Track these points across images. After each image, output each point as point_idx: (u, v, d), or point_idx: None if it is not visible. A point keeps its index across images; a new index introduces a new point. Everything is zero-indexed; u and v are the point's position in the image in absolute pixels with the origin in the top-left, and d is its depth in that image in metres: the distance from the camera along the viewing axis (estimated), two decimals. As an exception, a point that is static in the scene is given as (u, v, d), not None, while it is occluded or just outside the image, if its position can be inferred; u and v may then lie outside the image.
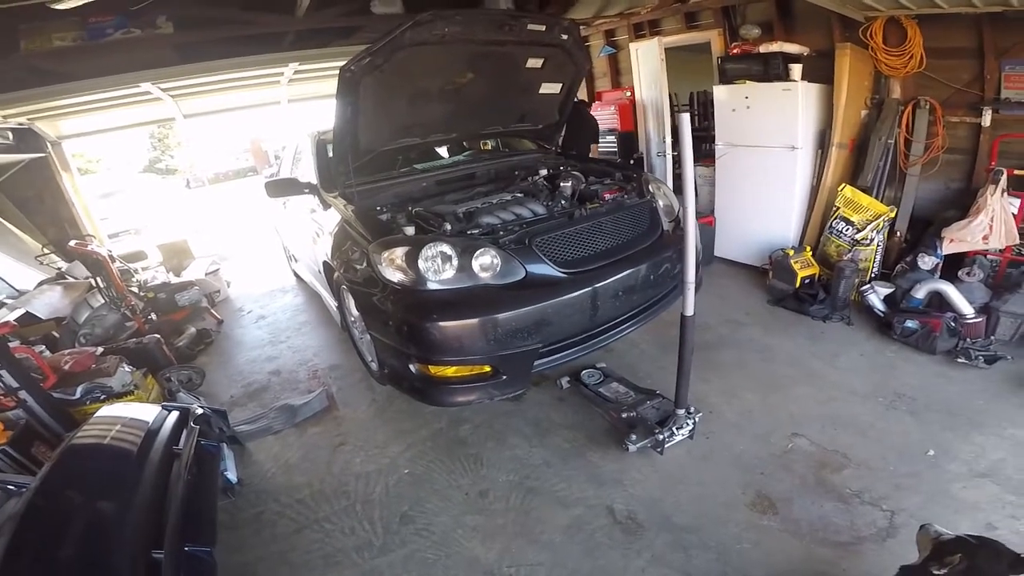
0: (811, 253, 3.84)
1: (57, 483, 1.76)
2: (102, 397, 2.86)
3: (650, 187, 3.02)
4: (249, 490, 2.45)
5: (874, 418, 2.50)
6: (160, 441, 2.02)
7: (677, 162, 5.91)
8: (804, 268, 3.70)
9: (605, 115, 5.68)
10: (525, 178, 3.32)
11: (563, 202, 2.82)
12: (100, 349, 3.08)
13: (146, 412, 2.24)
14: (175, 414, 2.26)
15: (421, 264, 2.19)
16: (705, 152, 4.81)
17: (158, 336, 3.51)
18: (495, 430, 2.69)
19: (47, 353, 3.27)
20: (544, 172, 3.37)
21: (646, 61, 5.07)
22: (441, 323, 2.14)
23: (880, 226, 3.60)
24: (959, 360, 2.84)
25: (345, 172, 2.87)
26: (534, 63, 3.09)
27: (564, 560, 1.93)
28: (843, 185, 3.77)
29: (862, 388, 2.73)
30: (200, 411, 2.41)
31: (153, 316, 4.19)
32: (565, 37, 2.98)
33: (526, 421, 2.74)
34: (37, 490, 1.69)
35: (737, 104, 4.16)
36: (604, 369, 2.98)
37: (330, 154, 3.11)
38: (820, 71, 3.82)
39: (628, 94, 5.50)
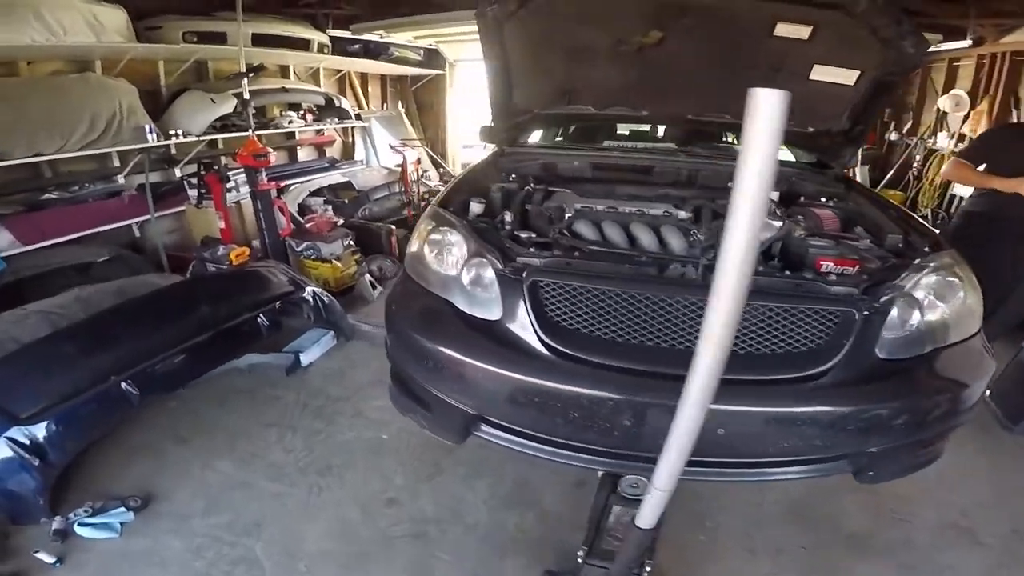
0: None
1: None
2: (312, 256, 3.97)
3: (924, 278, 1.69)
4: (307, 375, 3.00)
5: None
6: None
7: None
8: None
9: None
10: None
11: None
12: (340, 220, 4.21)
13: (283, 281, 3.18)
14: (289, 289, 3.13)
15: (424, 246, 1.93)
16: None
17: (392, 228, 4.48)
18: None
19: (330, 212, 4.71)
20: (776, 195, 2.32)
21: None
22: (397, 313, 1.92)
23: None
24: None
25: (497, 131, 2.78)
26: (790, 31, 2.07)
27: None
28: None
29: None
30: (309, 297, 3.18)
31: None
32: None
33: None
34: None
35: None
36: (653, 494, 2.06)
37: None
38: None
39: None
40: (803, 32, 2.06)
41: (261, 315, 2.84)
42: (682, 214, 2.13)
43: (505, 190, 2.34)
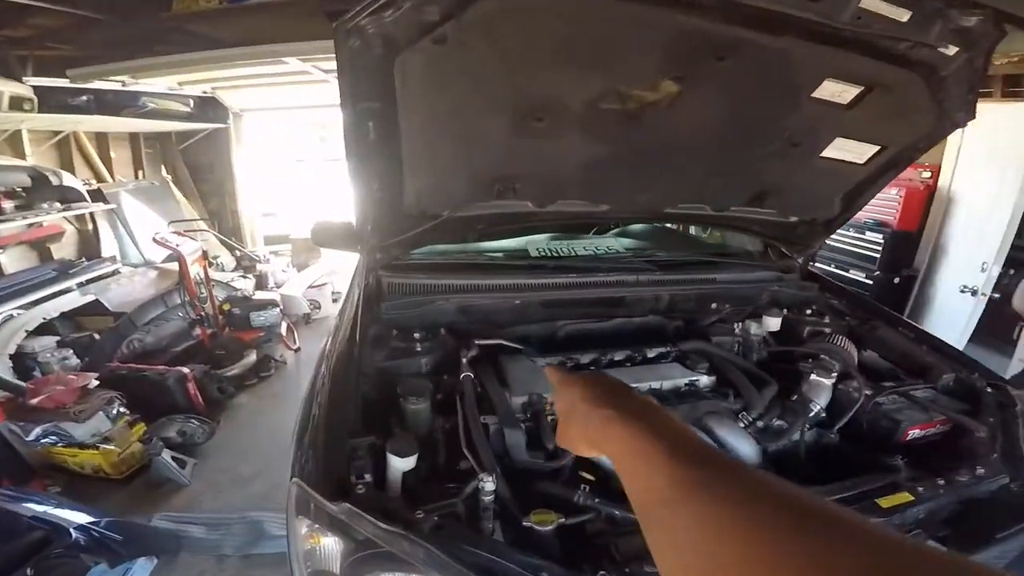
0: None
1: None
2: (60, 444, 2.51)
3: None
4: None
5: None
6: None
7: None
8: None
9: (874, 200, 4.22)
10: (730, 325, 1.84)
11: (802, 426, 1.39)
12: (95, 382, 2.73)
13: (22, 522, 2.03)
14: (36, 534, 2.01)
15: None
16: None
17: (185, 371, 3.09)
18: None
19: (72, 360, 3.13)
20: (775, 322, 1.85)
21: (990, 135, 3.49)
22: None
23: None
24: None
25: (372, 248, 1.79)
26: (834, 92, 1.55)
27: None
28: None
29: None
30: (76, 535, 2.01)
31: (227, 330, 3.98)
32: (950, 52, 1.42)
33: None
34: None
35: None
36: None
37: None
38: None
39: (926, 175, 4.07)
40: (848, 94, 1.57)
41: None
42: (703, 379, 1.52)
43: (433, 390, 1.34)
